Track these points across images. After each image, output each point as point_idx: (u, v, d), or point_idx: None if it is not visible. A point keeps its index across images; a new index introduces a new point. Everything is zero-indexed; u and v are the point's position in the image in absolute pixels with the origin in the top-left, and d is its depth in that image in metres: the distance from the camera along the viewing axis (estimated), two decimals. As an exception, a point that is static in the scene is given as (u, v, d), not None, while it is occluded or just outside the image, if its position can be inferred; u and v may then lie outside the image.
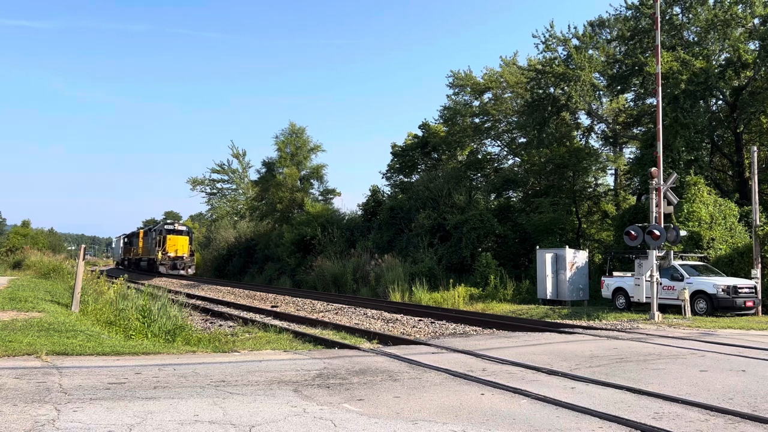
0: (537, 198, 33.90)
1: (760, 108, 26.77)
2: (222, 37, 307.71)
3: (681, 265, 20.34)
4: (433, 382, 7.46)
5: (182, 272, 47.68)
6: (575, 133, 36.20)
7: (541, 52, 33.17)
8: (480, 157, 41.97)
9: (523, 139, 38.99)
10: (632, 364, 9.04)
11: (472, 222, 31.59)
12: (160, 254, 47.46)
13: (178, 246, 48.96)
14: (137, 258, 56.82)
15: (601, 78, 33.03)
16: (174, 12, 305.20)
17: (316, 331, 14.76)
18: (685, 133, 25.26)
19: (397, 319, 19.10)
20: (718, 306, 18.62)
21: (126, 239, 65.30)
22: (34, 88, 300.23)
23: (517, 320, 18.28)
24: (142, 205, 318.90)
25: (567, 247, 26.03)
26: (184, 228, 52.02)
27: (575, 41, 32.43)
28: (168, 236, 48.67)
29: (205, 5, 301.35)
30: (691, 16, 28.66)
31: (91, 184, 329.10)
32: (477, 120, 40.87)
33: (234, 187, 68.61)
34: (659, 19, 20.90)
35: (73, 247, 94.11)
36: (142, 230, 59.10)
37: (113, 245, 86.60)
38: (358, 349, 10.98)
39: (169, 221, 53.28)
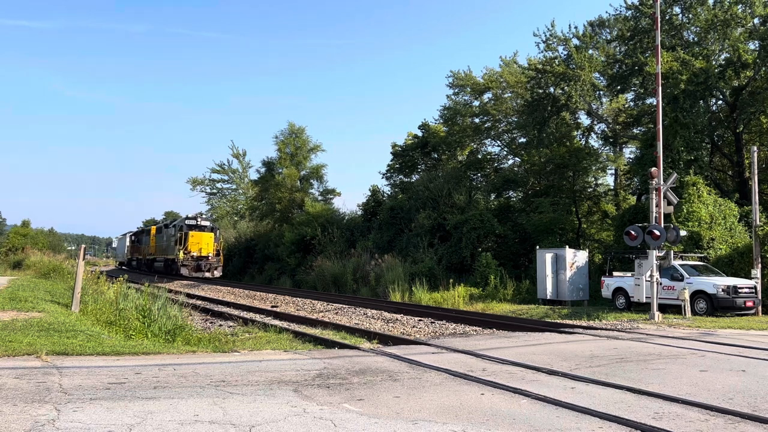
0: (537, 198, 33.90)
1: (760, 108, 26.77)
2: (222, 37, 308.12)
3: (681, 265, 20.34)
4: (433, 382, 7.45)
5: (207, 274, 41.87)
6: (575, 133, 36.21)
7: (542, 51, 33.26)
8: (480, 157, 42.00)
9: (523, 139, 39.01)
10: (632, 364, 9.04)
11: (472, 222, 31.59)
12: (181, 254, 41.28)
13: (203, 244, 42.76)
14: (149, 258, 51.02)
15: (601, 78, 33.04)
16: (174, 12, 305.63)
17: (316, 331, 14.75)
18: (684, 133, 25.26)
19: (397, 319, 19.10)
20: (718, 306, 18.62)
21: (133, 237, 60.32)
22: (34, 88, 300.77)
23: (517, 320, 18.27)
24: (142, 205, 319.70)
25: (567, 247, 26.02)
26: (207, 223, 45.37)
27: (575, 41, 32.47)
28: (190, 233, 42.55)
29: (205, 5, 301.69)
30: (691, 16, 28.66)
31: (91, 184, 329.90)
32: (477, 120, 40.90)
33: (234, 187, 68.69)
34: (659, 19, 20.90)
35: (73, 247, 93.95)
36: (154, 226, 53.37)
37: (115, 244, 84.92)
38: (358, 349, 10.98)
39: (190, 215, 46.51)
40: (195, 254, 42.13)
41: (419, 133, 44.43)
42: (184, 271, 41.04)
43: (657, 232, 17.38)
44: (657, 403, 6.46)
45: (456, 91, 41.73)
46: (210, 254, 42.92)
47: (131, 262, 59.60)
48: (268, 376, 7.54)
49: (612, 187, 37.46)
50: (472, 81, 40.23)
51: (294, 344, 12.39)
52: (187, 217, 45.63)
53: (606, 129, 36.14)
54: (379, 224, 39.72)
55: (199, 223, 44.41)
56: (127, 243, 62.92)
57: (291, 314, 20.21)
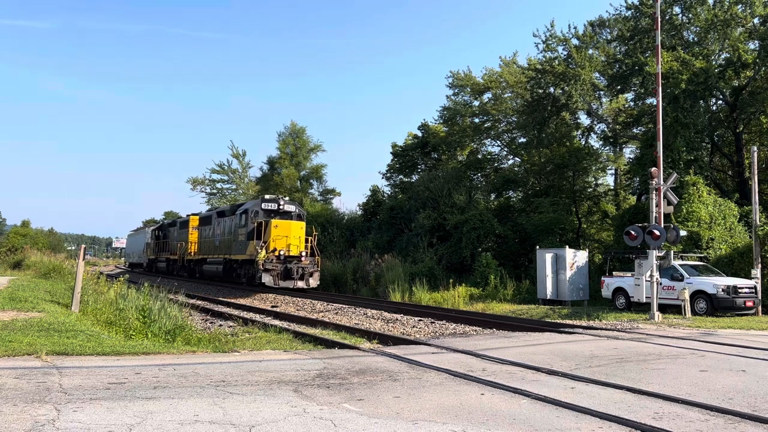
0: (537, 198, 33.93)
1: (760, 108, 26.79)
2: (222, 37, 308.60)
3: (681, 265, 20.34)
4: (433, 382, 7.45)
5: (300, 283, 27.88)
6: (575, 133, 36.22)
7: (542, 52, 33.25)
8: (480, 157, 42.03)
9: (523, 139, 39.03)
10: (632, 364, 9.03)
11: (472, 222, 31.60)
12: (262, 253, 27.29)
13: (291, 238, 28.53)
14: (192, 259, 38.33)
15: (601, 78, 33.05)
16: (174, 12, 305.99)
17: (316, 331, 14.73)
18: (685, 133, 25.27)
19: (397, 319, 19.09)
20: (718, 306, 18.62)
21: (158, 232, 48.04)
22: (34, 88, 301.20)
23: (517, 320, 18.26)
24: (142, 205, 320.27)
25: (567, 247, 26.02)
26: (293, 208, 30.38)
27: (575, 41, 32.47)
28: (272, 221, 28.38)
29: (204, 5, 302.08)
30: (691, 16, 28.67)
31: (91, 184, 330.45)
32: (477, 120, 40.92)
33: (234, 187, 68.57)
34: (659, 19, 20.91)
35: (73, 247, 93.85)
36: (194, 216, 39.62)
37: (121, 243, 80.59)
38: (358, 349, 10.97)
39: (267, 197, 31.21)
40: (283, 253, 27.84)
41: (419, 133, 44.49)
42: (266, 279, 27.13)
43: (657, 232, 17.37)
44: (657, 403, 6.46)
45: (456, 91, 41.80)
46: (303, 253, 28.39)
47: (156, 264, 47.55)
48: (268, 376, 7.54)
49: (612, 187, 37.48)
50: (471, 81, 40.27)
51: (294, 344, 12.39)
52: (264, 199, 30.49)
53: (606, 129, 36.15)
54: (379, 224, 39.73)
55: (282, 207, 29.71)
56: (148, 239, 50.89)
57: (291, 314, 20.19)
